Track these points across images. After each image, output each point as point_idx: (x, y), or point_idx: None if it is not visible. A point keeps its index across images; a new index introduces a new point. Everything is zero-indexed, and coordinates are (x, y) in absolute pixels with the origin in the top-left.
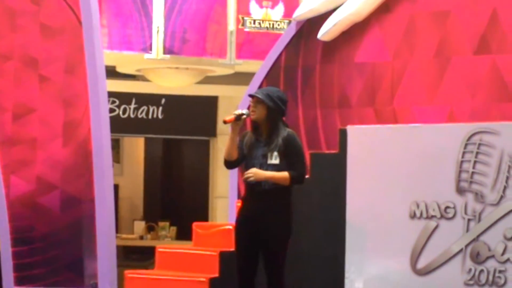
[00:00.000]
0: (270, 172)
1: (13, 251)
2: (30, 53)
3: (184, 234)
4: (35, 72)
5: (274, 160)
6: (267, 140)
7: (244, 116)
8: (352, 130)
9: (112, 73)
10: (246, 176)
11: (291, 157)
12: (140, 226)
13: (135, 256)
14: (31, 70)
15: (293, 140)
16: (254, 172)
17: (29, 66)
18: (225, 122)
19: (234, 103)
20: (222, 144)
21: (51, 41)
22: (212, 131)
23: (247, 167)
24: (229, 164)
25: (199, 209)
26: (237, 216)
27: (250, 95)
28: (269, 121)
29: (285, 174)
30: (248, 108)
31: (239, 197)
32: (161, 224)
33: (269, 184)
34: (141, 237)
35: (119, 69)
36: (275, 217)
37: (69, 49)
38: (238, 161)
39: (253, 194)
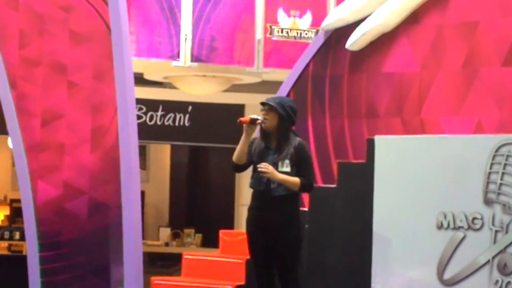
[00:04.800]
0: (283, 175)
1: (40, 256)
2: (59, 59)
3: (209, 241)
4: (64, 78)
5: (286, 168)
6: (277, 148)
7: (259, 121)
8: (380, 140)
9: (139, 80)
10: (260, 168)
11: (302, 165)
12: (165, 232)
13: (160, 263)
14: (60, 76)
15: (305, 149)
16: (271, 171)
17: (58, 72)
18: (240, 122)
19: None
20: None
21: (80, 48)
22: (238, 139)
23: (256, 174)
24: (237, 168)
25: (225, 216)
26: (247, 227)
27: (262, 103)
28: (280, 129)
29: (296, 179)
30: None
31: None
32: (186, 231)
33: (279, 191)
34: (167, 244)
35: (147, 76)
36: (286, 223)
37: (98, 55)
38: (246, 166)
39: (262, 202)
